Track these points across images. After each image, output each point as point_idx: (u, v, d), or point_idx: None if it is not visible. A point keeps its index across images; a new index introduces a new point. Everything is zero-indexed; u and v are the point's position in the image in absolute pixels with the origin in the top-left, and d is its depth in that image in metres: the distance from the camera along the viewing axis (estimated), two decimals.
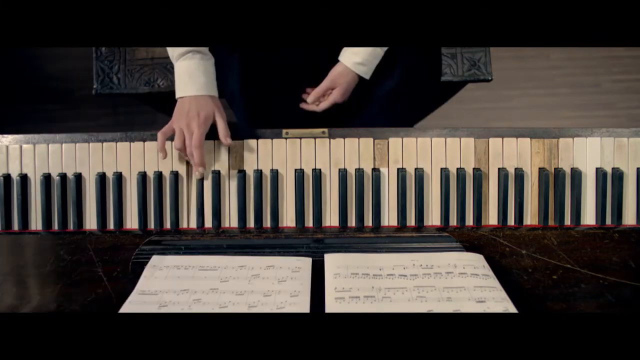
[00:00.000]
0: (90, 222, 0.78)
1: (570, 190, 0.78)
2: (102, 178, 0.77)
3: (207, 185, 0.78)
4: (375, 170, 0.78)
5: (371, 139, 0.79)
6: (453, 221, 0.78)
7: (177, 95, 0.80)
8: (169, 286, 0.53)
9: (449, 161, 0.79)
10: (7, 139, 0.78)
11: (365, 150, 0.78)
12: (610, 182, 0.78)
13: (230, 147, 0.78)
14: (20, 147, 0.78)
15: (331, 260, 0.58)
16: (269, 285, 0.53)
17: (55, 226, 0.77)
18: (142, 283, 0.54)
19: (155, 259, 0.59)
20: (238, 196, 0.77)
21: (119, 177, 0.77)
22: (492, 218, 0.78)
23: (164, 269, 0.57)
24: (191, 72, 0.79)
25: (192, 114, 0.76)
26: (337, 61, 0.87)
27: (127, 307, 0.50)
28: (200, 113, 0.76)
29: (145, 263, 0.58)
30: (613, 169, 0.78)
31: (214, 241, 0.68)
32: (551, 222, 0.78)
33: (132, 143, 0.78)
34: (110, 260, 0.62)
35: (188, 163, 0.78)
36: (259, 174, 0.77)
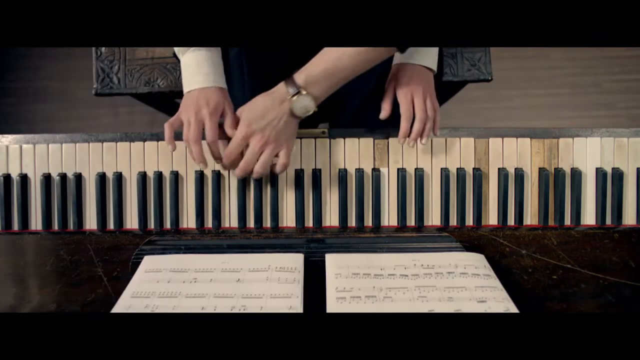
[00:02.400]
0: (90, 222, 0.78)
1: (570, 190, 0.78)
2: (102, 178, 0.77)
3: (207, 185, 0.78)
4: (375, 170, 0.78)
5: (371, 139, 0.79)
6: (453, 221, 0.78)
7: (185, 89, 0.78)
8: (158, 288, 0.53)
9: (449, 161, 0.79)
10: (7, 139, 0.78)
11: (365, 150, 0.78)
12: (610, 182, 0.78)
13: None
14: (20, 147, 0.78)
15: (332, 260, 0.58)
16: (262, 285, 0.53)
17: (55, 226, 0.77)
18: (134, 284, 0.54)
19: (147, 260, 0.59)
20: (238, 196, 0.77)
21: (119, 177, 0.77)
22: (492, 218, 0.78)
23: (155, 270, 0.57)
24: (198, 64, 0.77)
25: (202, 102, 0.74)
26: None
27: (117, 310, 0.49)
28: (209, 101, 0.74)
29: None
30: (613, 169, 0.78)
31: (214, 241, 0.68)
32: (551, 222, 0.78)
33: (132, 143, 0.78)
34: (110, 260, 0.62)
35: (188, 163, 0.78)
36: None
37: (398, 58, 0.84)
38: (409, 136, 0.77)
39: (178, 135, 0.76)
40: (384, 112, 0.80)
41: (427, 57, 0.83)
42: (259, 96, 0.74)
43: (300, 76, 0.72)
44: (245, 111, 0.74)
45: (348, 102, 0.90)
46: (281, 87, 0.73)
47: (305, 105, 0.72)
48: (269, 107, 0.72)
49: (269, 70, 0.85)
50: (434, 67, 0.84)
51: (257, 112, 0.72)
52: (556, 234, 0.67)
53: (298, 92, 0.71)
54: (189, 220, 0.78)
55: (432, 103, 0.79)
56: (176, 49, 0.81)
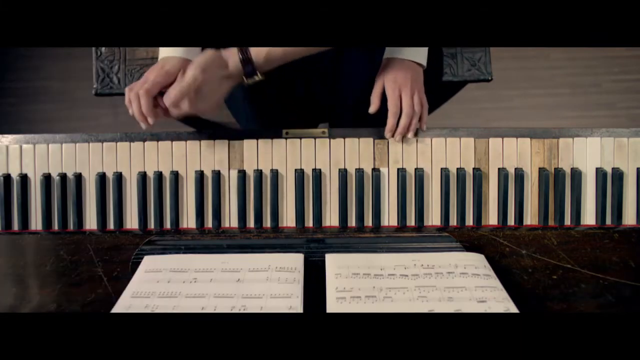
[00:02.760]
0: (90, 222, 0.78)
1: (570, 190, 0.78)
2: (102, 178, 0.77)
3: (207, 185, 0.78)
4: (375, 170, 0.78)
5: (371, 139, 0.79)
6: (453, 221, 0.78)
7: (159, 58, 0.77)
8: (158, 288, 0.53)
9: (449, 161, 0.79)
10: (7, 139, 0.78)
11: (365, 150, 0.78)
12: (610, 182, 0.78)
13: (230, 147, 0.78)
14: (20, 147, 0.78)
15: (332, 260, 0.58)
16: (262, 285, 0.53)
17: (55, 226, 0.77)
18: (133, 284, 0.54)
19: (147, 260, 0.59)
20: (238, 196, 0.77)
21: (119, 177, 0.77)
22: (492, 218, 0.78)
23: (155, 270, 0.57)
24: None
25: (157, 66, 0.73)
26: (337, 61, 0.87)
27: (118, 309, 0.49)
28: (165, 65, 0.72)
29: None
30: (613, 169, 0.78)
31: (214, 241, 0.68)
32: (551, 222, 0.78)
33: (132, 143, 0.78)
34: (110, 260, 0.62)
35: (188, 163, 0.78)
36: (259, 174, 0.77)
37: (388, 52, 0.84)
38: (395, 131, 0.78)
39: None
40: (373, 105, 0.80)
41: (417, 52, 0.83)
42: (215, 58, 0.71)
43: (259, 57, 0.71)
44: (194, 69, 0.69)
45: (349, 99, 0.90)
46: (237, 62, 0.71)
47: (256, 81, 0.73)
48: (223, 83, 0.72)
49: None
50: (424, 62, 0.84)
51: (211, 84, 0.70)
52: (556, 234, 0.67)
53: (254, 75, 0.72)
54: (189, 220, 0.78)
55: (420, 98, 0.80)
56: None
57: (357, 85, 0.88)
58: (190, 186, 0.78)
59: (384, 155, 0.79)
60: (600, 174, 0.78)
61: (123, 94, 1.11)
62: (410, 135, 0.78)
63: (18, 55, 1.92)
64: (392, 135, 0.78)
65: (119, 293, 0.53)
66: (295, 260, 0.58)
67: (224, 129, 0.78)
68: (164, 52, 0.77)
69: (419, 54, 0.83)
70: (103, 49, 1.10)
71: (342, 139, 0.79)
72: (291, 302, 0.50)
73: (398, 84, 0.79)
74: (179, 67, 0.72)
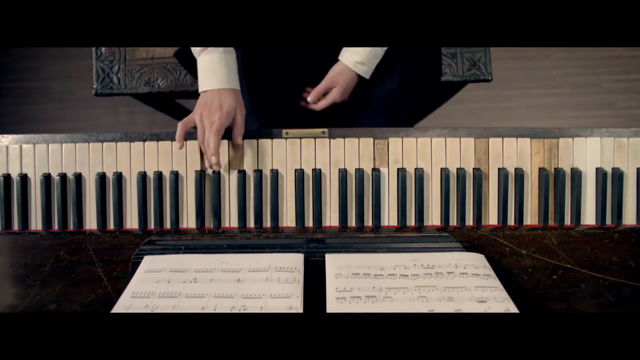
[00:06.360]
0: (90, 222, 0.78)
1: (570, 190, 0.78)
2: (102, 178, 0.77)
3: (207, 185, 0.78)
4: (375, 170, 0.78)
5: (371, 139, 0.79)
6: (453, 221, 0.78)
7: (200, 89, 0.81)
8: (158, 288, 0.53)
9: (449, 161, 0.79)
10: (7, 139, 0.78)
11: (365, 150, 0.78)
12: (610, 182, 0.78)
13: (230, 147, 0.78)
14: (20, 147, 0.78)
15: (332, 261, 0.58)
16: (262, 285, 0.53)
17: (55, 226, 0.77)
18: (133, 284, 0.54)
19: (147, 260, 0.59)
20: (238, 196, 0.77)
21: (119, 177, 0.77)
22: (492, 218, 0.78)
23: (155, 270, 0.57)
24: (213, 66, 0.80)
25: (215, 106, 0.77)
26: (338, 61, 0.87)
27: (118, 310, 0.49)
28: (222, 106, 0.77)
29: None
30: (613, 169, 0.78)
31: (214, 241, 0.68)
32: (551, 222, 0.78)
33: (132, 143, 0.78)
34: (110, 260, 0.62)
35: (188, 163, 0.78)
36: (259, 174, 0.77)
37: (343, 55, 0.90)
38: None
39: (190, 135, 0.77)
40: (310, 97, 0.90)
41: (362, 65, 0.88)
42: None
43: None
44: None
45: (347, 98, 0.91)
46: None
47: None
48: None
49: (265, 70, 0.86)
50: (366, 75, 0.89)
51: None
52: (556, 234, 0.67)
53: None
54: (189, 220, 0.78)
55: (333, 100, 0.90)
56: (192, 50, 0.83)
57: (384, 88, 0.89)
58: (190, 186, 0.78)
59: (384, 155, 0.79)
60: (600, 174, 0.78)
61: (123, 94, 1.12)
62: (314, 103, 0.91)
63: (18, 55, 1.93)
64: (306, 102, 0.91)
65: (119, 293, 0.53)
66: (295, 260, 0.58)
67: (224, 129, 0.78)
68: (206, 85, 0.80)
69: (364, 68, 0.88)
70: (103, 49, 1.10)
71: (342, 139, 0.79)
72: (291, 302, 0.50)
73: (335, 86, 0.88)
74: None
